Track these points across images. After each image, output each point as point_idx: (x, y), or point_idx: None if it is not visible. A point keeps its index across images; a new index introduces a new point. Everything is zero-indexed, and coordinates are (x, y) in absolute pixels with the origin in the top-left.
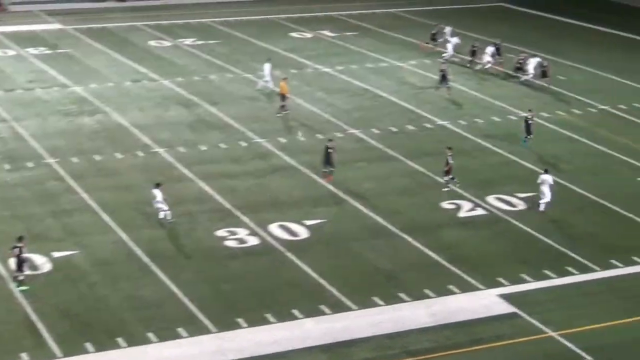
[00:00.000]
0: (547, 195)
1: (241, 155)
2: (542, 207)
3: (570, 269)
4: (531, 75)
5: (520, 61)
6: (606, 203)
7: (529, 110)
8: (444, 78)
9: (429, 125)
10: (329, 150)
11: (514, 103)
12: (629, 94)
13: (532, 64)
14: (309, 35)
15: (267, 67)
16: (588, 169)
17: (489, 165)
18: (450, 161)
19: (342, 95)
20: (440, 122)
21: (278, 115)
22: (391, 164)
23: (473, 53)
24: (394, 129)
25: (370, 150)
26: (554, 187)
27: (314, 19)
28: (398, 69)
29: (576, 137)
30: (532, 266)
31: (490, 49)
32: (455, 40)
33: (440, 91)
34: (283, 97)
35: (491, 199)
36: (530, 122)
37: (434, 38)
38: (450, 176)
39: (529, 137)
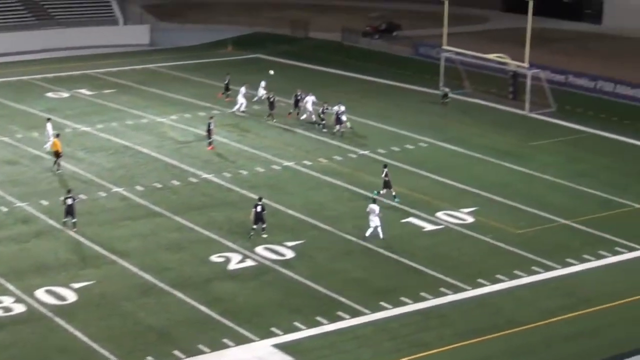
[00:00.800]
0: (375, 222)
1: (2, 221)
2: (368, 233)
3: (341, 313)
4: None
5: (298, 97)
6: (371, 246)
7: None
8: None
9: (193, 180)
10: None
11: (277, 153)
12: (387, 138)
13: (309, 101)
14: (66, 94)
15: (48, 126)
16: (352, 213)
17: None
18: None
19: (103, 153)
20: (204, 175)
21: (58, 171)
22: (157, 220)
23: (296, 103)
24: (159, 185)
25: (136, 208)
26: (381, 215)
27: (70, 78)
28: (159, 125)
29: (338, 183)
30: (304, 314)
31: (310, 98)
32: (261, 91)
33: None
34: (57, 154)
35: (260, 249)
36: (386, 178)
37: (227, 88)
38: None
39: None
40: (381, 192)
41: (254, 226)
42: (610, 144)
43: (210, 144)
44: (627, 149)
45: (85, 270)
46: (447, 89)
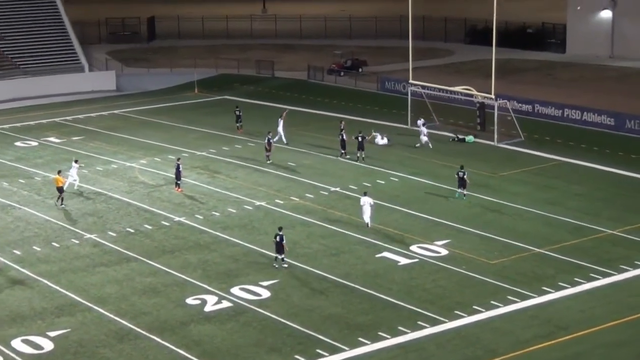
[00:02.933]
0: (367, 213)
1: None
2: (368, 223)
3: (320, 351)
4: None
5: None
6: (347, 282)
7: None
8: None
9: (166, 223)
10: None
11: (248, 193)
12: (358, 173)
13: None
14: (34, 143)
15: (73, 168)
16: (326, 250)
17: (230, 257)
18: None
19: (75, 200)
20: (177, 218)
21: (62, 206)
22: (131, 265)
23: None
24: (131, 230)
25: (109, 254)
26: (373, 205)
27: (38, 126)
28: (129, 170)
29: (311, 220)
30: (282, 353)
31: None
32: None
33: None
34: (60, 189)
35: (235, 290)
36: (463, 176)
37: (239, 119)
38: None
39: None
40: (460, 191)
41: (277, 256)
42: (580, 171)
43: (178, 185)
44: (597, 175)
45: (61, 318)
46: (457, 135)
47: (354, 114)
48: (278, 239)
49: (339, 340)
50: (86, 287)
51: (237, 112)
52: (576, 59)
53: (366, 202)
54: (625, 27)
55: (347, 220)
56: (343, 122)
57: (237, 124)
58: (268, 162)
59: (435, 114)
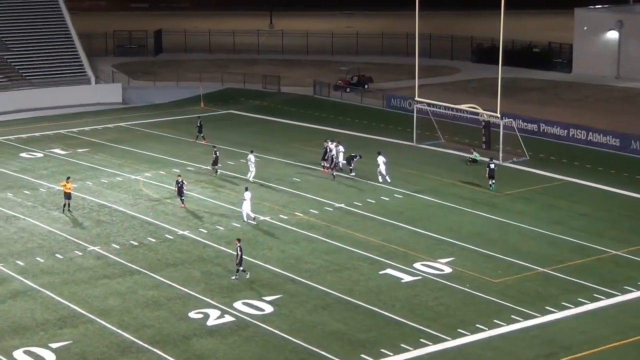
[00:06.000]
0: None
1: None
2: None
3: None
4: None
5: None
6: (350, 299)
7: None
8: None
9: (169, 236)
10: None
11: (253, 208)
12: (362, 190)
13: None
14: (39, 154)
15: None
16: (329, 266)
17: (234, 272)
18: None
19: (78, 212)
20: (180, 232)
21: (69, 214)
22: (134, 278)
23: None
24: (135, 243)
25: (112, 266)
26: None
27: (44, 137)
28: (133, 182)
29: (315, 236)
30: None
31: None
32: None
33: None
34: (68, 196)
35: (238, 304)
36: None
37: (200, 130)
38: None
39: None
40: (491, 182)
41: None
42: (584, 191)
43: (182, 201)
44: (601, 195)
45: (63, 329)
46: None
47: (360, 130)
48: (239, 250)
49: (342, 356)
50: (89, 299)
51: (199, 123)
52: (582, 79)
53: (247, 196)
54: (632, 48)
55: (351, 237)
56: (329, 141)
57: (199, 134)
58: (216, 175)
59: (440, 132)
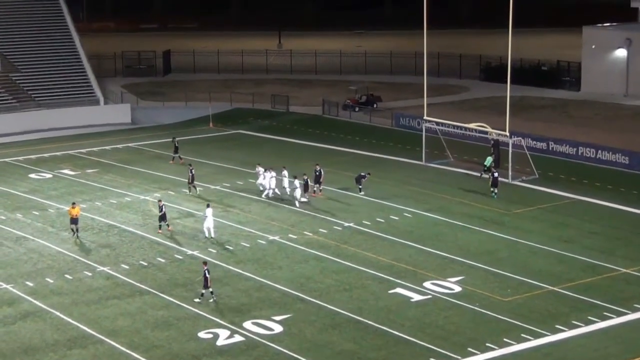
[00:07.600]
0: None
1: None
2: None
3: None
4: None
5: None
6: (359, 318)
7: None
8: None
9: (178, 256)
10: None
11: (262, 227)
12: (371, 209)
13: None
14: (48, 175)
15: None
16: (339, 286)
17: (243, 291)
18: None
19: (88, 233)
20: (189, 252)
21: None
22: (144, 298)
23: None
24: (144, 263)
25: (122, 287)
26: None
27: (53, 158)
28: (143, 203)
29: (324, 255)
30: None
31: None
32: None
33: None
34: (75, 220)
35: (248, 324)
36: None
37: (176, 151)
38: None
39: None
40: (493, 189)
41: (203, 291)
42: (594, 210)
43: (167, 225)
44: (611, 213)
45: (73, 350)
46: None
47: (369, 149)
48: (207, 273)
49: None
50: (98, 319)
51: (176, 144)
52: (591, 97)
53: (208, 213)
54: None
55: (361, 256)
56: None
57: (175, 155)
58: (190, 193)
59: (449, 151)
